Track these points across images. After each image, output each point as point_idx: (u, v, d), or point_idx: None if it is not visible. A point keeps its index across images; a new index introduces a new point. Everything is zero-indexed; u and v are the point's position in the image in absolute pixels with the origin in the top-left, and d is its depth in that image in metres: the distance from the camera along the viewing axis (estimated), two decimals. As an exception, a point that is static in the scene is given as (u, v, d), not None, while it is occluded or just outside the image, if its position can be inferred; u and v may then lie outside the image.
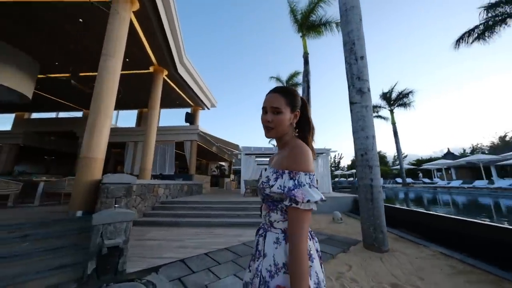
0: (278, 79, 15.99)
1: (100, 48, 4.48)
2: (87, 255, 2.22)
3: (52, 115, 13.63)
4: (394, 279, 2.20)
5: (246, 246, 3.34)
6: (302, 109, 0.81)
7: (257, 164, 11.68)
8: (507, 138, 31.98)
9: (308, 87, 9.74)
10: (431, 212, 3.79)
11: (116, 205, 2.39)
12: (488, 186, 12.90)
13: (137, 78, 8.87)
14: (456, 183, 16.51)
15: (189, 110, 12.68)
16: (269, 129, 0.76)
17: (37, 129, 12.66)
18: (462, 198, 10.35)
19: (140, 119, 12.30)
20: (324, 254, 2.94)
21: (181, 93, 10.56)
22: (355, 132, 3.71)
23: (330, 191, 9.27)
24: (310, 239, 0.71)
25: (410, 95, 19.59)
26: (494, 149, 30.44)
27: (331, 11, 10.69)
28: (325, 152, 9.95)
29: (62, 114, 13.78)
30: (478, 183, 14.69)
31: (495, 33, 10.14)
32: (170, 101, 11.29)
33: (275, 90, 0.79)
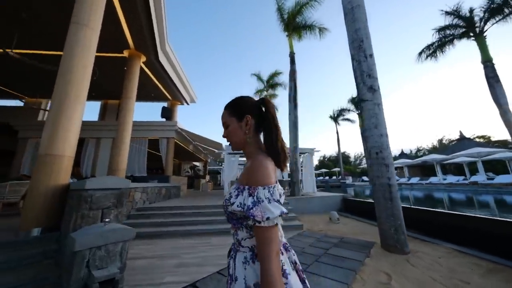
0: (259, 77, 15.75)
1: (63, 20, 3.45)
2: (64, 296, 1.52)
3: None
4: (440, 286, 2.06)
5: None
6: (259, 111, 0.76)
7: (239, 164, 11.23)
8: (444, 141, 38.25)
9: (295, 86, 9.67)
10: (431, 209, 3.93)
11: (106, 220, 1.71)
12: (441, 182, 14.98)
13: (103, 63, 7.46)
14: (414, 180, 18.73)
15: (165, 104, 11.43)
16: (229, 143, 0.78)
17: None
18: (429, 193, 11.67)
19: (105, 111, 10.56)
20: (351, 260, 2.71)
21: (158, 84, 9.35)
22: (367, 130, 3.61)
23: (315, 190, 9.31)
24: (284, 253, 0.68)
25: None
26: (434, 150, 35.85)
27: (316, 15, 10.83)
28: (308, 151, 10.00)
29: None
30: (433, 179, 16.87)
31: (444, 52, 11.74)
32: (145, 93, 9.93)
33: (224, 108, 0.79)
